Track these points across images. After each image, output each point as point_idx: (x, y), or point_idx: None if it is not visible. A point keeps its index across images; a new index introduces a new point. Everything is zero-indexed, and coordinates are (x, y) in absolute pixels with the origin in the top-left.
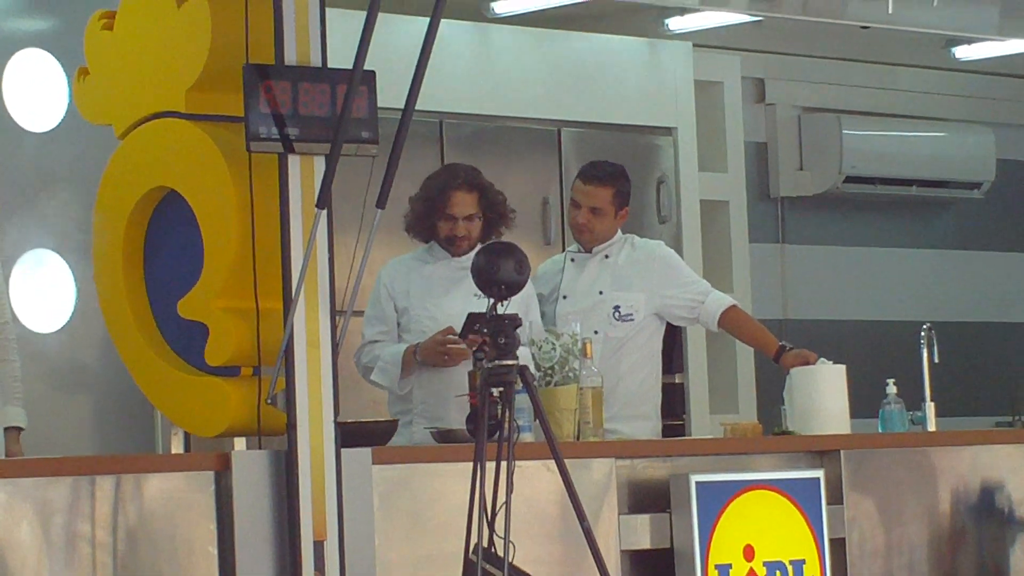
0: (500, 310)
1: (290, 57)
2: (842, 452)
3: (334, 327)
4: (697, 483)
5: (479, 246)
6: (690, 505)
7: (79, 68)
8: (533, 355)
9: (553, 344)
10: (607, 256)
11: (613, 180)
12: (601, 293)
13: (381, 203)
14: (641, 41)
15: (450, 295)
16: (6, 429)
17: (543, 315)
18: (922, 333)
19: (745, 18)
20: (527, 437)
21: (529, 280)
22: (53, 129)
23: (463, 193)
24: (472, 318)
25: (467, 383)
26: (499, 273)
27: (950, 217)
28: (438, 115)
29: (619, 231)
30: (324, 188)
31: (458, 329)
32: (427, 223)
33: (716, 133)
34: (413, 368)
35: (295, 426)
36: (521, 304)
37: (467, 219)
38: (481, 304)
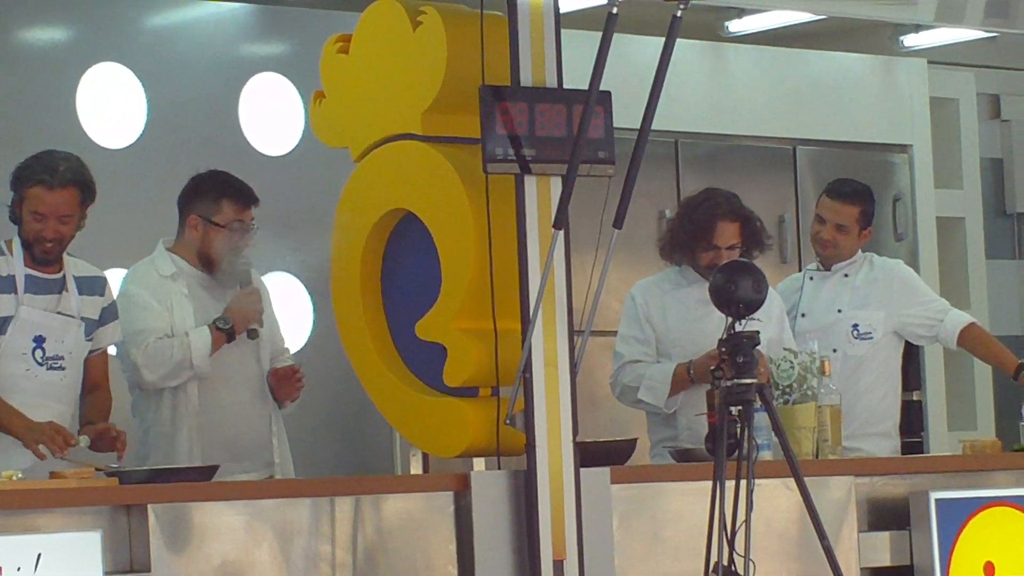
0: (739, 327)
1: (526, 78)
2: None
3: (572, 347)
4: (937, 500)
5: None
6: (930, 522)
7: (315, 92)
8: (771, 373)
9: (791, 362)
10: (846, 275)
11: (860, 199)
12: (840, 311)
13: (618, 223)
14: (876, 58)
15: (710, 317)
16: None
17: None
18: None
19: (980, 34)
20: (766, 455)
21: (781, 300)
22: (289, 152)
23: (727, 223)
24: None
25: (701, 402)
26: (737, 292)
27: None
28: (674, 135)
29: (859, 250)
30: (561, 208)
31: None
32: (687, 250)
33: (952, 150)
34: (684, 387)
35: (534, 446)
36: (776, 326)
37: (729, 248)
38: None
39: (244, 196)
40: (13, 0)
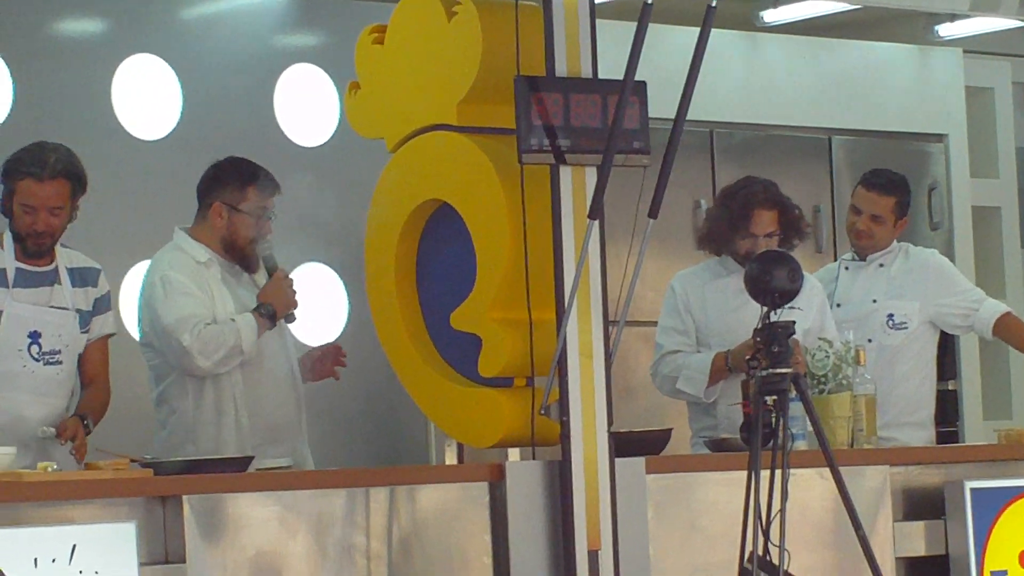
0: (774, 317)
1: (561, 69)
2: None
3: (607, 337)
4: (972, 490)
5: None
6: (965, 512)
7: (350, 83)
8: (807, 363)
9: (827, 352)
10: (881, 264)
11: (896, 189)
12: (875, 301)
13: (653, 213)
14: (911, 48)
15: (749, 306)
16: None
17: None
18: None
19: (1016, 23)
20: (801, 445)
21: (822, 289)
22: (325, 143)
23: (764, 211)
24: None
25: (740, 392)
26: (773, 281)
27: None
28: (708, 124)
29: (895, 240)
30: (596, 199)
31: None
32: (726, 239)
33: (987, 139)
34: (722, 376)
35: (569, 436)
36: (816, 315)
37: (767, 236)
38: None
39: (269, 183)
40: None
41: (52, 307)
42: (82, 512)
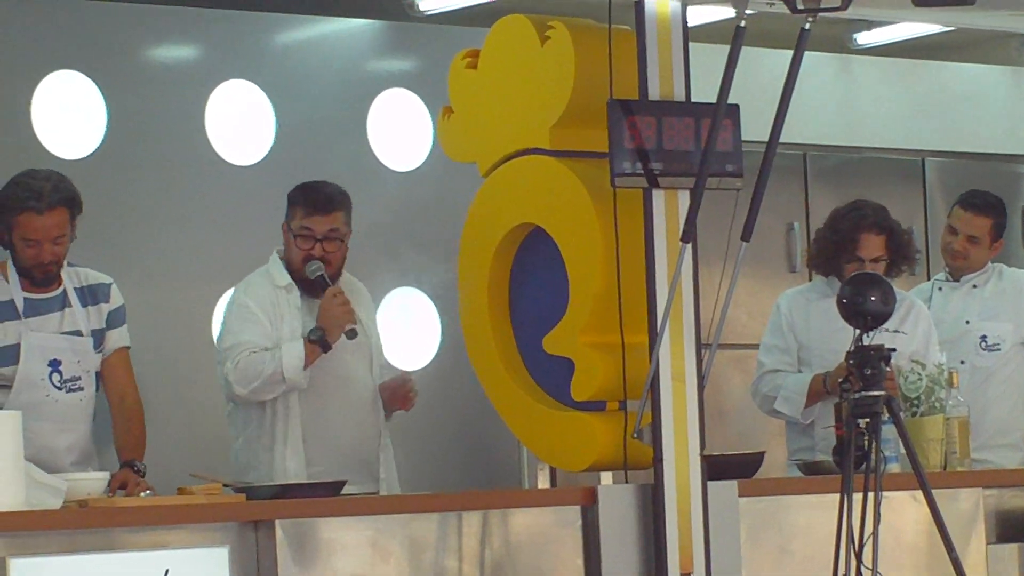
0: (867, 340)
1: (654, 92)
2: None
3: (699, 361)
4: None
5: None
6: None
7: (443, 107)
8: (900, 385)
9: (919, 374)
10: (975, 285)
11: (994, 211)
12: (968, 322)
13: (746, 236)
14: (1004, 69)
15: (851, 328)
16: None
17: None
18: None
19: None
20: (894, 468)
21: (928, 314)
22: (418, 168)
23: (872, 235)
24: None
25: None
26: (865, 304)
27: None
28: (802, 147)
29: (989, 262)
30: (689, 222)
31: None
32: (834, 261)
33: None
34: (820, 398)
35: (661, 460)
36: (921, 339)
37: (874, 261)
38: (883, 339)
39: (311, 204)
40: (143, 19)
41: (65, 333)
42: (176, 537)
